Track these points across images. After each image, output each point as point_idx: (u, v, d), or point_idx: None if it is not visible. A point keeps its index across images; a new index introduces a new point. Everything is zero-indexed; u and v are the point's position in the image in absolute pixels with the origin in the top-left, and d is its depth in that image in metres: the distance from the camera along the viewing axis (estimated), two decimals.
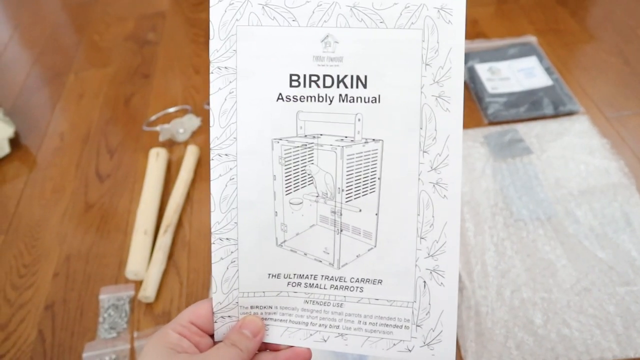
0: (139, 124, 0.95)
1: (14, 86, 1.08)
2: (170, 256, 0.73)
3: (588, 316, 0.62)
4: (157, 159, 0.84)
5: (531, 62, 0.97)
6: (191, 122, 0.90)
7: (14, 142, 0.93)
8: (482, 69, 0.96)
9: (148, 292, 0.67)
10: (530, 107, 0.89)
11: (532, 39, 1.03)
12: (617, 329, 0.60)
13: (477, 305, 0.63)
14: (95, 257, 0.75)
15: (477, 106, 0.91)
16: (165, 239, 0.73)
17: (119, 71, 1.10)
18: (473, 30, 1.09)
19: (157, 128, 0.89)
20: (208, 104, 0.92)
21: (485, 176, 0.78)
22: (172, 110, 0.95)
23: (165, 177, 0.83)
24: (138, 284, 0.70)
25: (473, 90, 0.94)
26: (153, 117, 0.94)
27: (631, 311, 0.62)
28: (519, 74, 0.95)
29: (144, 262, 0.71)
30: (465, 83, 0.91)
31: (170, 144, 0.90)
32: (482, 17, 1.13)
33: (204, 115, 0.93)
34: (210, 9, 0.34)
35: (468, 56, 1.00)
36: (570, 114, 0.88)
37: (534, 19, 1.11)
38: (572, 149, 0.81)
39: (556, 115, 0.88)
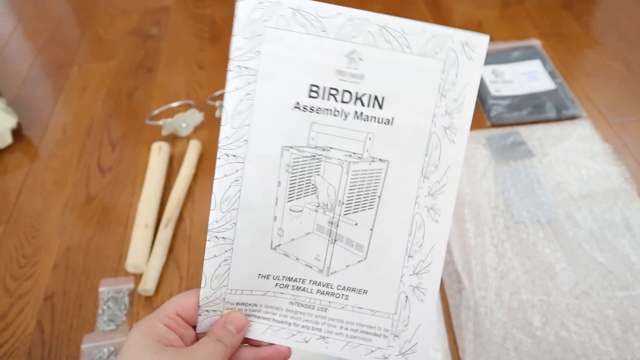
0: (141, 117, 0.95)
1: (17, 77, 1.08)
2: (171, 250, 0.73)
3: (586, 319, 0.62)
4: (159, 153, 0.84)
5: (535, 65, 0.97)
6: (194, 117, 0.90)
7: (16, 132, 0.92)
8: (486, 72, 0.96)
9: (148, 285, 0.67)
10: (532, 110, 0.89)
11: (536, 42, 1.03)
12: (615, 332, 0.61)
13: (476, 306, 0.63)
14: (96, 249, 0.75)
15: (479, 108, 0.92)
16: (166, 233, 0.73)
17: (122, 65, 1.10)
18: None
19: (160, 122, 0.89)
20: (214, 99, 0.93)
21: (486, 178, 0.78)
22: (175, 104, 0.95)
23: (167, 171, 0.83)
24: (138, 277, 0.70)
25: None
26: (156, 111, 0.94)
27: (629, 315, 0.62)
28: (523, 77, 0.95)
29: (144, 255, 0.71)
30: None
31: (173, 139, 0.90)
32: (487, 19, 1.13)
33: (207, 111, 0.93)
34: (238, 4, 0.33)
35: None
36: (572, 118, 0.89)
37: (539, 22, 1.11)
38: (573, 153, 0.81)
39: (559, 119, 0.88)
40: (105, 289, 0.69)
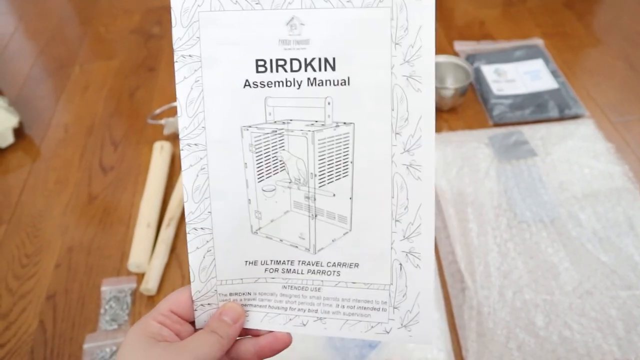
0: (143, 117, 0.95)
1: (18, 77, 1.08)
2: (173, 249, 0.73)
3: (590, 319, 0.62)
4: (161, 152, 0.84)
5: (537, 64, 0.97)
6: None
7: (18, 132, 0.92)
8: (488, 71, 0.96)
9: (150, 284, 0.67)
10: (535, 109, 0.89)
11: (538, 41, 1.03)
12: (618, 332, 0.60)
13: (479, 305, 0.63)
14: (98, 248, 0.75)
15: (482, 107, 0.91)
16: (168, 232, 0.73)
17: (124, 64, 1.10)
18: (479, 32, 1.09)
19: (162, 121, 0.88)
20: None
21: (489, 177, 0.78)
22: (176, 104, 0.95)
23: (169, 170, 0.83)
24: (140, 276, 0.70)
25: (479, 92, 0.94)
26: (158, 111, 0.94)
27: (633, 315, 0.62)
28: (525, 76, 0.95)
29: (147, 254, 0.71)
30: (471, 84, 0.91)
31: (175, 138, 0.90)
32: (489, 18, 1.13)
33: None
34: None
35: (474, 57, 1.00)
36: (575, 117, 0.88)
37: (541, 21, 1.11)
38: (576, 152, 0.81)
39: (561, 119, 0.88)
40: (108, 288, 0.69)
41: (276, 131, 0.35)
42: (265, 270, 0.36)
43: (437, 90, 0.89)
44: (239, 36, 0.33)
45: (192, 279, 0.36)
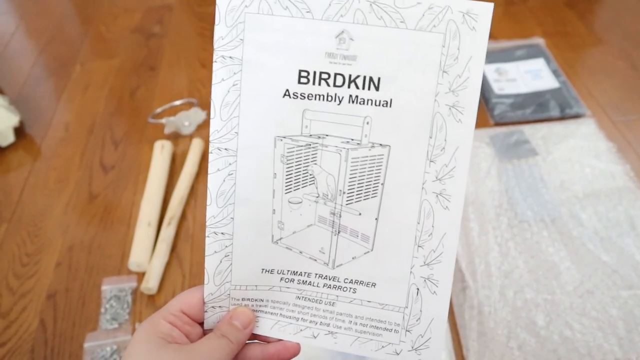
0: (144, 116, 0.95)
1: (19, 75, 1.08)
2: (174, 248, 0.73)
3: (591, 319, 0.61)
4: (162, 151, 0.84)
5: (538, 64, 0.97)
6: (197, 115, 0.90)
7: (19, 131, 0.92)
8: (489, 70, 0.96)
9: (150, 283, 0.67)
10: (536, 108, 0.88)
11: (539, 41, 1.03)
12: (619, 332, 0.60)
13: (480, 305, 0.63)
14: (98, 247, 0.74)
15: (483, 107, 0.91)
16: (168, 231, 0.73)
17: (125, 63, 1.10)
18: None
19: (163, 120, 0.88)
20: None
21: (490, 177, 0.78)
22: (177, 103, 0.95)
23: (169, 169, 0.83)
24: (140, 275, 0.70)
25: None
26: (158, 110, 0.94)
27: (634, 315, 0.61)
28: (526, 75, 0.95)
29: (147, 253, 0.71)
30: None
31: (175, 137, 0.89)
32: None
33: (210, 109, 0.93)
34: None
35: None
36: (576, 116, 0.88)
37: (542, 21, 1.10)
38: (578, 151, 0.81)
39: (562, 118, 0.88)
40: (108, 287, 0.69)
41: (310, 145, 0.34)
42: (281, 280, 0.36)
43: None
44: (285, 43, 0.32)
45: (206, 281, 0.36)
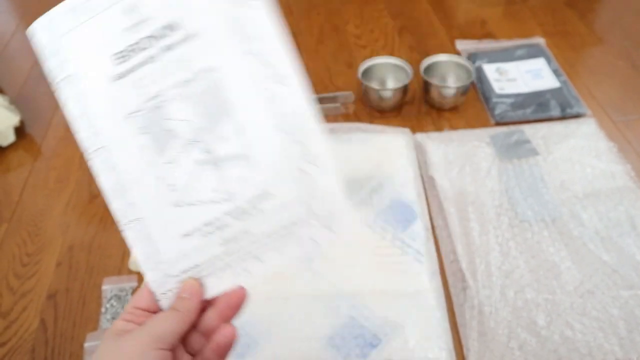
0: None
1: (19, 75, 1.08)
2: None
3: (591, 319, 0.61)
4: None
5: (539, 63, 0.97)
6: None
7: (19, 130, 0.92)
8: (490, 70, 0.96)
9: None
10: (537, 108, 0.88)
11: (540, 40, 1.03)
12: (620, 332, 0.60)
13: (480, 304, 0.63)
14: (99, 247, 0.74)
15: (484, 106, 0.91)
16: None
17: None
18: (481, 31, 1.09)
19: None
20: None
21: (490, 176, 0.78)
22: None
23: None
24: (141, 275, 0.70)
25: (480, 90, 0.94)
26: None
27: (635, 315, 0.61)
28: (527, 75, 0.95)
29: None
30: (472, 83, 0.90)
31: None
32: (491, 17, 1.13)
33: None
34: (35, 38, 0.37)
35: (476, 56, 1.00)
36: (577, 116, 0.88)
37: (543, 20, 1.10)
38: (578, 151, 0.81)
39: (563, 118, 0.88)
40: (108, 287, 0.69)
41: (155, 106, 0.37)
42: (201, 236, 0.38)
43: (439, 89, 0.89)
44: (94, 42, 0.36)
45: (143, 271, 0.38)
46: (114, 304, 0.67)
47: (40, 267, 0.73)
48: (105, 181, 0.37)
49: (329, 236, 0.38)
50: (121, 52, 0.36)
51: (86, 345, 0.63)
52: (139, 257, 0.38)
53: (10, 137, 0.90)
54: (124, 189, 0.37)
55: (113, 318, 0.65)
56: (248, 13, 0.36)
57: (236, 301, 0.38)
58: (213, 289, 0.38)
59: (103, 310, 0.66)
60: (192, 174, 0.38)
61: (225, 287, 0.38)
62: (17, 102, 0.98)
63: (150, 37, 0.36)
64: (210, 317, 0.37)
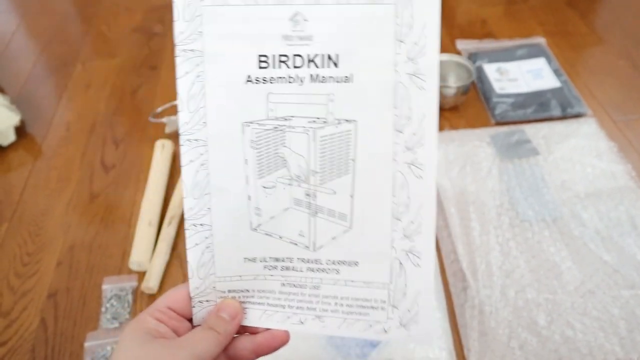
0: (145, 115, 0.95)
1: (20, 75, 1.08)
2: (174, 248, 0.73)
3: (592, 318, 0.61)
4: (162, 151, 0.84)
5: (539, 63, 0.97)
6: None
7: (20, 130, 0.92)
8: (490, 69, 0.96)
9: (151, 283, 0.67)
10: (537, 108, 0.88)
11: (540, 40, 1.03)
12: (620, 332, 0.60)
13: (481, 304, 0.63)
14: (99, 247, 0.74)
15: (484, 106, 0.91)
16: (169, 231, 0.73)
17: (126, 62, 1.10)
18: (482, 30, 1.09)
19: (164, 120, 0.88)
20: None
21: (491, 176, 0.78)
22: (177, 98, 0.95)
23: (170, 168, 0.83)
24: (141, 274, 0.70)
25: (481, 90, 0.94)
26: (159, 109, 0.94)
27: (635, 314, 0.61)
28: (527, 75, 0.95)
29: (148, 253, 0.71)
30: (473, 83, 0.90)
31: (176, 136, 0.89)
32: (491, 17, 1.13)
33: None
34: None
35: (476, 56, 0.99)
36: (577, 116, 0.88)
37: (543, 20, 1.10)
38: (579, 151, 0.80)
39: (564, 117, 0.88)
40: (109, 286, 0.69)
41: (277, 128, 0.35)
42: (264, 267, 0.36)
43: (439, 88, 0.88)
44: (242, 31, 0.33)
45: (190, 275, 0.36)
46: (114, 303, 0.67)
47: (41, 267, 0.73)
48: (190, 174, 0.35)
49: (403, 334, 0.36)
50: (269, 56, 0.33)
51: (86, 344, 0.63)
52: (190, 260, 0.36)
53: (11, 137, 0.90)
54: (206, 191, 0.35)
55: (113, 317, 0.65)
56: (413, 90, 0.33)
57: (277, 344, 0.36)
58: (254, 319, 0.37)
59: (103, 309, 0.66)
60: (285, 210, 0.36)
61: (269, 323, 0.36)
62: (17, 102, 0.98)
63: (306, 59, 0.33)
64: (245, 347, 0.36)
